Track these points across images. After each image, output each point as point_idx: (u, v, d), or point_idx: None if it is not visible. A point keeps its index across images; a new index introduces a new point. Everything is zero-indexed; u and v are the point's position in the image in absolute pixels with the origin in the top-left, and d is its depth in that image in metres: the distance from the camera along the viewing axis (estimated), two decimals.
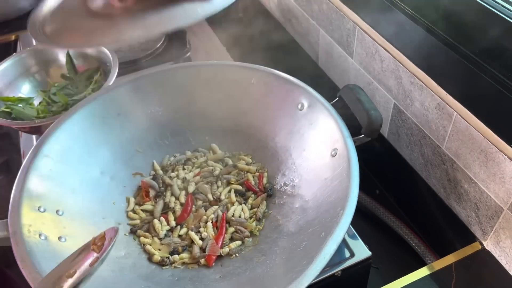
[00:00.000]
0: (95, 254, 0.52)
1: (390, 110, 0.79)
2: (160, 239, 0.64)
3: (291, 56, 1.14)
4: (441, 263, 0.67)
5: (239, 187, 0.70)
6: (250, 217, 0.66)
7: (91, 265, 0.51)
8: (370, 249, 0.64)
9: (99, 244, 0.53)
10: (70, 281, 0.48)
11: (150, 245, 0.63)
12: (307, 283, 0.48)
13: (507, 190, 0.59)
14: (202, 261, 0.61)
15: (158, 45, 1.02)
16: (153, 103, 0.74)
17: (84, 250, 0.52)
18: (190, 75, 0.75)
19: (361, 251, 0.63)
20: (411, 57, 0.69)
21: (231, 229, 0.64)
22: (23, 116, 0.80)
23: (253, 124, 0.74)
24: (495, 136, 0.58)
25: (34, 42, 1.11)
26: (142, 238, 0.64)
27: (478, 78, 0.57)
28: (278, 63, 1.22)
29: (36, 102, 0.87)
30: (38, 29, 0.53)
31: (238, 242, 0.63)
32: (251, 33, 1.34)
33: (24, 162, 0.61)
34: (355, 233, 0.66)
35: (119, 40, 0.52)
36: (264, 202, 0.67)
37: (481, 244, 0.68)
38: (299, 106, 0.69)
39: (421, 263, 0.77)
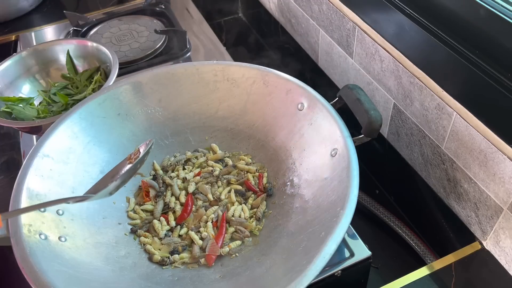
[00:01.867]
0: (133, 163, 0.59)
1: (390, 110, 0.79)
2: (160, 239, 0.64)
3: (291, 56, 1.14)
4: (441, 263, 0.67)
5: (239, 187, 0.70)
6: (250, 217, 0.66)
7: (130, 162, 0.59)
8: (370, 249, 0.64)
9: (135, 157, 0.60)
10: (118, 176, 0.57)
11: (150, 245, 0.63)
12: (307, 283, 0.48)
13: (507, 190, 0.59)
14: (202, 261, 0.61)
15: (158, 45, 1.02)
16: (153, 103, 0.74)
17: (121, 164, 0.60)
18: (190, 75, 0.75)
19: (361, 251, 0.63)
20: (411, 57, 0.69)
21: (231, 229, 0.64)
22: (24, 116, 0.80)
23: (253, 124, 0.74)
24: (495, 136, 0.58)
25: (34, 42, 1.12)
26: (142, 238, 0.64)
27: (478, 78, 0.57)
28: (278, 63, 1.23)
29: (36, 102, 0.87)
30: None
31: (238, 242, 0.63)
32: (251, 33, 1.34)
33: (24, 162, 0.62)
34: (355, 233, 0.66)
35: None
36: (264, 202, 0.68)
37: (481, 244, 0.68)
38: (299, 106, 0.69)
39: (421, 263, 0.77)
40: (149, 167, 0.73)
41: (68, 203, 0.55)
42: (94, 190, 0.56)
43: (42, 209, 0.58)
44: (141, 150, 0.60)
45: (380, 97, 0.81)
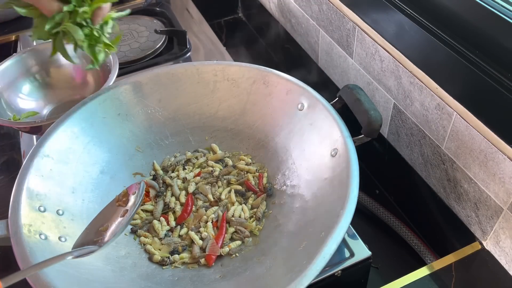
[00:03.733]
0: (123, 207, 0.54)
1: (390, 110, 0.79)
2: (160, 239, 0.64)
3: (291, 56, 1.14)
4: (441, 263, 0.67)
5: (239, 187, 0.70)
6: (250, 217, 0.66)
7: (122, 216, 0.53)
8: (370, 249, 0.64)
9: (123, 199, 0.56)
10: (108, 232, 0.52)
11: (150, 245, 0.63)
12: (307, 283, 0.48)
13: (507, 190, 0.59)
14: (202, 261, 0.61)
15: (158, 45, 1.02)
16: (153, 103, 0.74)
17: (110, 209, 0.55)
18: (190, 75, 0.75)
19: (361, 251, 0.63)
20: (411, 57, 0.69)
21: (231, 229, 0.64)
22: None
23: (253, 124, 0.74)
24: (495, 136, 0.58)
25: (34, 42, 1.12)
26: (142, 238, 0.64)
27: (478, 78, 0.57)
28: (278, 63, 1.23)
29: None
30: None
31: (238, 242, 0.63)
32: (251, 33, 1.34)
33: (24, 162, 0.62)
34: (355, 233, 0.66)
35: None
36: (264, 202, 0.68)
37: (481, 244, 0.68)
38: (299, 106, 0.69)
39: (421, 263, 0.77)
40: (149, 167, 0.73)
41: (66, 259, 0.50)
42: (83, 240, 0.52)
43: (42, 209, 0.58)
44: (131, 195, 0.57)
45: (380, 97, 0.81)
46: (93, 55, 0.64)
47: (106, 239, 0.51)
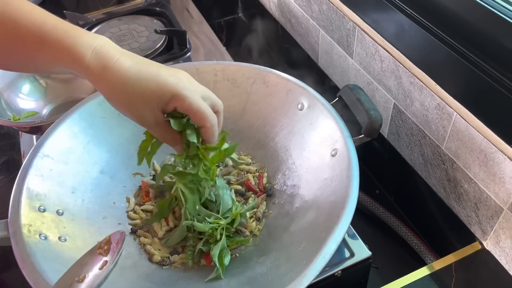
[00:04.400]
0: (104, 258, 0.51)
1: (390, 110, 0.79)
2: (160, 239, 0.64)
3: (291, 56, 1.14)
4: (441, 263, 0.67)
5: (239, 187, 0.70)
6: (250, 217, 0.66)
7: (101, 268, 0.50)
8: (370, 249, 0.64)
9: (105, 248, 0.52)
10: (83, 285, 0.48)
11: (150, 245, 0.63)
12: (307, 283, 0.48)
13: (507, 190, 0.59)
14: (202, 261, 0.61)
15: (158, 45, 1.02)
16: None
17: (90, 256, 0.52)
18: (190, 75, 0.75)
19: (361, 251, 0.63)
20: (411, 57, 0.69)
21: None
22: None
23: (253, 124, 0.74)
24: (495, 136, 0.58)
25: None
26: (142, 238, 0.64)
27: (478, 78, 0.57)
28: (278, 63, 1.23)
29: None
30: None
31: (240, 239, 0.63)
32: (251, 33, 1.34)
33: (24, 162, 0.62)
34: (355, 233, 0.66)
35: None
36: (264, 202, 0.67)
37: (481, 244, 0.68)
38: (299, 106, 0.69)
39: (421, 263, 0.77)
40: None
41: None
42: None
43: (42, 209, 0.58)
44: (112, 244, 0.52)
45: (380, 97, 0.81)
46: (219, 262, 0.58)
47: None
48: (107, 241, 0.53)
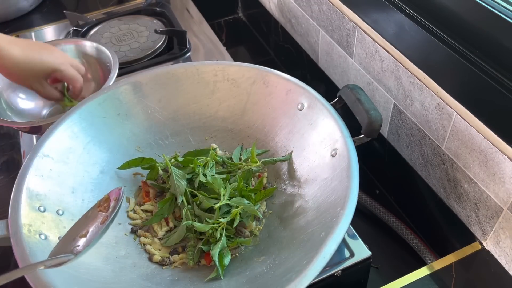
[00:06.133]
0: (104, 214, 0.55)
1: (390, 110, 0.79)
2: (160, 239, 0.64)
3: (291, 56, 1.14)
4: (441, 263, 0.67)
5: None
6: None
7: (102, 223, 0.53)
8: (370, 249, 0.64)
9: (104, 205, 0.56)
10: (85, 240, 0.52)
11: (150, 245, 0.63)
12: (307, 283, 0.48)
13: (507, 190, 0.59)
14: (202, 261, 0.61)
15: (158, 45, 1.02)
16: (153, 103, 0.74)
17: (91, 214, 0.55)
18: (190, 75, 0.75)
19: (361, 251, 0.63)
20: (411, 57, 0.69)
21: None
22: None
23: (253, 124, 0.74)
24: (495, 136, 0.58)
25: None
26: (142, 238, 0.64)
27: (478, 78, 0.57)
28: (278, 63, 1.23)
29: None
30: None
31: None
32: (251, 33, 1.34)
33: (24, 162, 0.62)
34: (355, 233, 0.66)
35: None
36: (264, 202, 0.67)
37: (481, 244, 0.68)
38: (299, 106, 0.69)
39: (421, 263, 0.77)
40: None
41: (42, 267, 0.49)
42: (60, 248, 0.51)
43: (42, 209, 0.58)
44: (112, 200, 0.56)
45: (380, 97, 0.81)
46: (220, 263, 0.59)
47: (80, 248, 0.51)
48: (106, 199, 0.57)
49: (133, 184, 0.71)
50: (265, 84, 0.72)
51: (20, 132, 0.92)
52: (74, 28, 1.08)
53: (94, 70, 0.90)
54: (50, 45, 0.78)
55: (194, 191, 0.64)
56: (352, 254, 0.63)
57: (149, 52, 1.00)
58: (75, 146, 0.67)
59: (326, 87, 0.99)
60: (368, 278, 0.68)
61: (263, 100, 0.73)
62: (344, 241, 0.65)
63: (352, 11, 0.80)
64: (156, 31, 1.03)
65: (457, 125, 0.64)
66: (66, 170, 0.64)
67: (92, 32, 1.08)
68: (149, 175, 0.70)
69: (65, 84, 0.80)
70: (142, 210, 0.68)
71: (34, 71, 0.72)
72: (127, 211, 0.68)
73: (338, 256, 0.63)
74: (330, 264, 0.61)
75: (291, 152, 0.69)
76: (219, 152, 0.75)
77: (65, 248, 0.51)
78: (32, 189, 0.59)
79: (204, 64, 0.75)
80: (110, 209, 0.55)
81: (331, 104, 0.66)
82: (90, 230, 0.53)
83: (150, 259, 0.62)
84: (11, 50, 0.69)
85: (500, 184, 0.60)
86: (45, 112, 0.89)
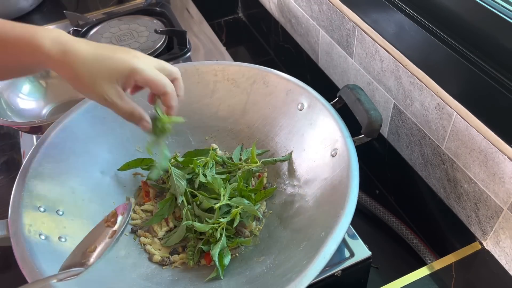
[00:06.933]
0: (112, 228, 0.55)
1: (390, 110, 0.79)
2: (160, 239, 0.64)
3: (291, 56, 1.14)
4: (441, 263, 0.67)
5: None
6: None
7: (110, 237, 0.54)
8: (370, 249, 0.64)
9: (112, 220, 0.56)
10: (95, 254, 0.52)
11: (150, 245, 0.63)
12: (307, 283, 0.48)
13: (507, 190, 0.59)
14: (202, 261, 0.61)
15: (158, 45, 1.02)
16: None
17: (98, 230, 0.56)
18: (190, 75, 0.75)
19: (361, 251, 0.63)
20: (411, 57, 0.69)
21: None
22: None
23: (253, 124, 0.74)
24: (495, 136, 0.58)
25: None
26: (142, 238, 0.64)
27: (478, 78, 0.57)
28: (278, 63, 1.23)
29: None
30: None
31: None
32: (251, 33, 1.34)
33: (24, 162, 0.62)
34: (355, 233, 0.66)
35: None
36: (264, 202, 0.67)
37: (481, 244, 0.68)
38: (299, 106, 0.69)
39: (421, 263, 0.77)
40: None
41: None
42: (70, 262, 0.52)
43: (42, 209, 0.58)
44: (119, 216, 0.57)
45: (380, 97, 0.81)
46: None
47: (91, 261, 0.52)
48: (113, 214, 0.57)
49: (133, 184, 0.71)
50: (265, 84, 0.72)
51: (20, 132, 0.92)
52: (74, 28, 1.08)
53: None
54: (127, 48, 0.59)
55: (194, 191, 0.64)
56: (352, 254, 0.63)
57: (149, 52, 1.00)
58: (75, 146, 0.67)
59: (326, 87, 0.99)
60: (368, 278, 0.68)
61: (263, 100, 0.73)
62: (344, 241, 0.65)
63: (352, 11, 0.80)
64: (156, 31, 1.03)
65: (457, 125, 0.64)
66: (66, 170, 0.64)
67: (92, 32, 1.08)
68: (149, 175, 0.70)
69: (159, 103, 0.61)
70: (142, 210, 0.68)
71: (106, 71, 0.54)
72: None
73: (338, 256, 0.63)
74: (330, 264, 0.61)
75: (291, 152, 0.69)
76: (219, 152, 0.75)
77: (75, 263, 0.52)
78: (32, 189, 0.59)
79: (204, 64, 0.75)
80: (118, 224, 0.56)
81: (331, 104, 0.66)
82: (99, 245, 0.54)
83: (150, 259, 0.62)
84: (77, 46, 0.53)
85: (500, 184, 0.60)
86: (45, 112, 0.89)
